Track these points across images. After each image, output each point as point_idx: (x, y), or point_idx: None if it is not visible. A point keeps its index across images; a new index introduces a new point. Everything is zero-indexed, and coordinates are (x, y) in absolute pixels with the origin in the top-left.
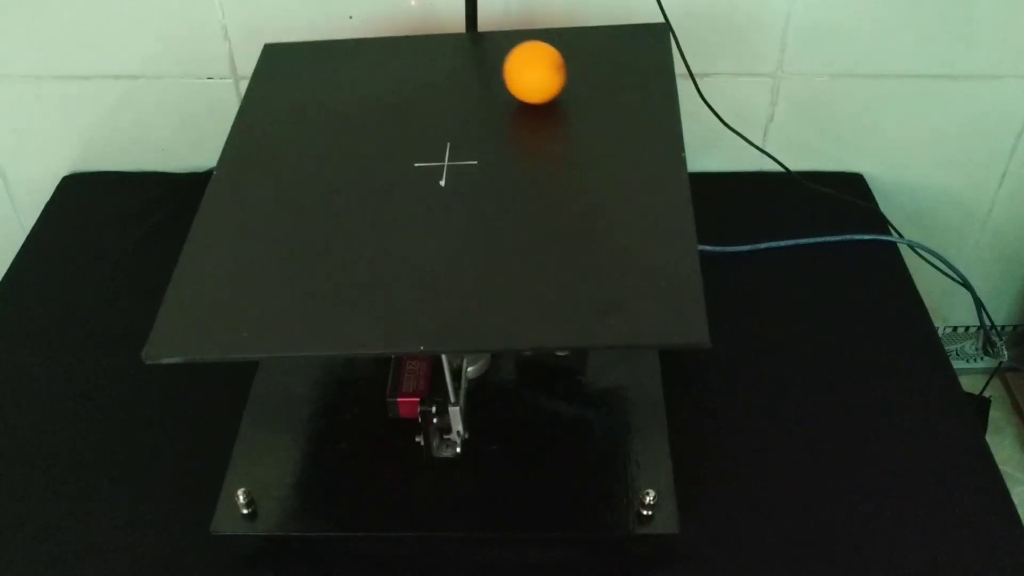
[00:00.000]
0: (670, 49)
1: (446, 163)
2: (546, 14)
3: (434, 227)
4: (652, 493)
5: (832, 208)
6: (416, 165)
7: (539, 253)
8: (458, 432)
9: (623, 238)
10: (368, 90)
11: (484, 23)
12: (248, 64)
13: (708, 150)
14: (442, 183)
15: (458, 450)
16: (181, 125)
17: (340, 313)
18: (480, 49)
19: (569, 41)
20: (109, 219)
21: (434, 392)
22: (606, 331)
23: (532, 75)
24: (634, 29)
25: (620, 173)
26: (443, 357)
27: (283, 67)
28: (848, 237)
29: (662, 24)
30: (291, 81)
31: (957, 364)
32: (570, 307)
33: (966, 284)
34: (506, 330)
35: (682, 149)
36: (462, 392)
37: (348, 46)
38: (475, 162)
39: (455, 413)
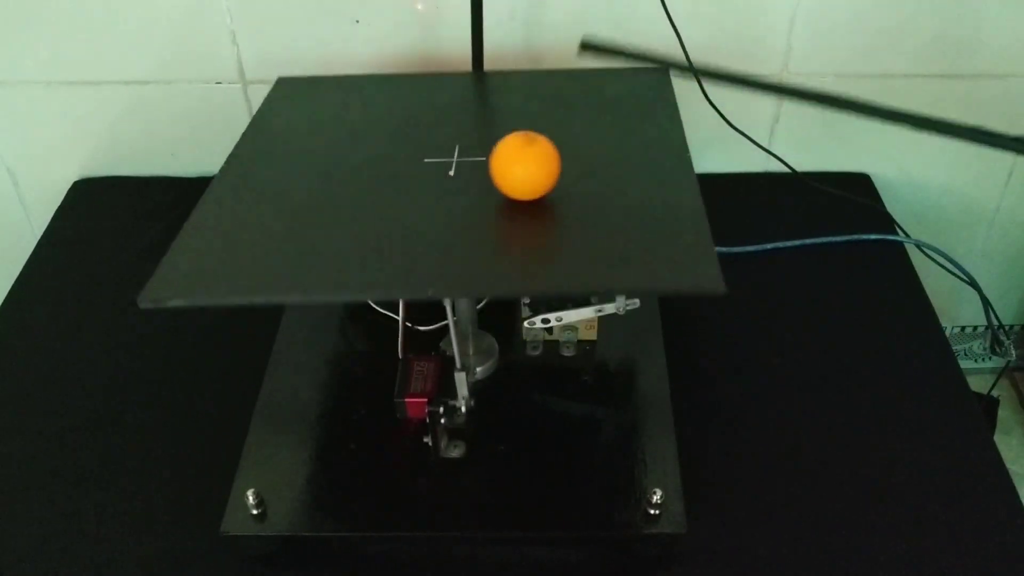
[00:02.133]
0: (671, 86)
1: (455, 159)
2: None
3: (444, 205)
4: (659, 492)
5: (838, 208)
6: (426, 160)
7: (551, 222)
8: (463, 398)
9: (633, 203)
10: (379, 109)
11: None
12: (256, 68)
13: (714, 151)
14: (451, 173)
15: (463, 410)
16: (190, 129)
17: (347, 265)
18: (487, 85)
19: (575, 80)
20: (120, 223)
21: (442, 393)
22: (622, 277)
23: (520, 172)
24: (636, 71)
25: (630, 168)
26: (450, 325)
27: (295, 94)
28: (855, 237)
29: (663, 66)
30: (303, 102)
31: (965, 364)
32: (584, 261)
33: (973, 283)
34: (516, 278)
35: (689, 162)
36: (469, 376)
37: (358, 80)
38: (484, 158)
39: (461, 378)
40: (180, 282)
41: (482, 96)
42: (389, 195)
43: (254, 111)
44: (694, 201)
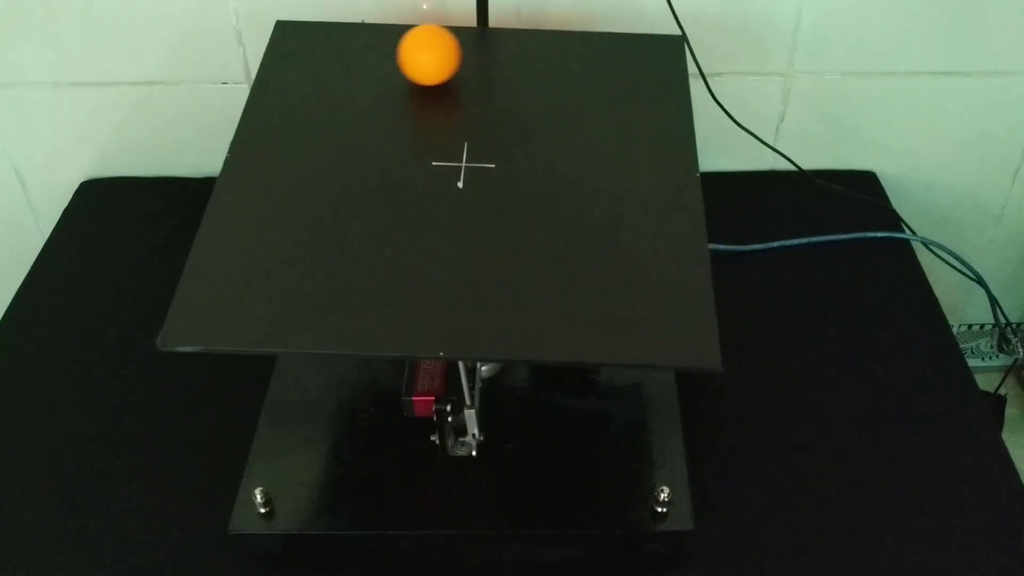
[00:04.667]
0: (685, 62)
1: (464, 164)
2: (557, 16)
3: (453, 230)
4: (667, 490)
5: (845, 206)
6: (434, 164)
7: (557, 263)
8: (473, 435)
9: (639, 254)
10: (381, 82)
11: (495, 24)
12: None
13: (720, 149)
14: (460, 185)
15: (473, 453)
16: (197, 130)
17: (359, 311)
18: (492, 46)
19: (585, 47)
20: (127, 224)
21: (449, 391)
22: (623, 349)
23: (424, 58)
24: (650, 39)
25: (636, 187)
26: (461, 373)
27: (296, 49)
28: (861, 235)
29: (678, 36)
30: (304, 65)
31: (972, 362)
32: (587, 321)
33: (980, 281)
34: (524, 342)
35: (696, 169)
36: (476, 392)
37: (358, 30)
38: (492, 165)
39: (471, 416)
40: (194, 326)
41: (489, 66)
42: (397, 215)
43: None
44: (701, 261)
